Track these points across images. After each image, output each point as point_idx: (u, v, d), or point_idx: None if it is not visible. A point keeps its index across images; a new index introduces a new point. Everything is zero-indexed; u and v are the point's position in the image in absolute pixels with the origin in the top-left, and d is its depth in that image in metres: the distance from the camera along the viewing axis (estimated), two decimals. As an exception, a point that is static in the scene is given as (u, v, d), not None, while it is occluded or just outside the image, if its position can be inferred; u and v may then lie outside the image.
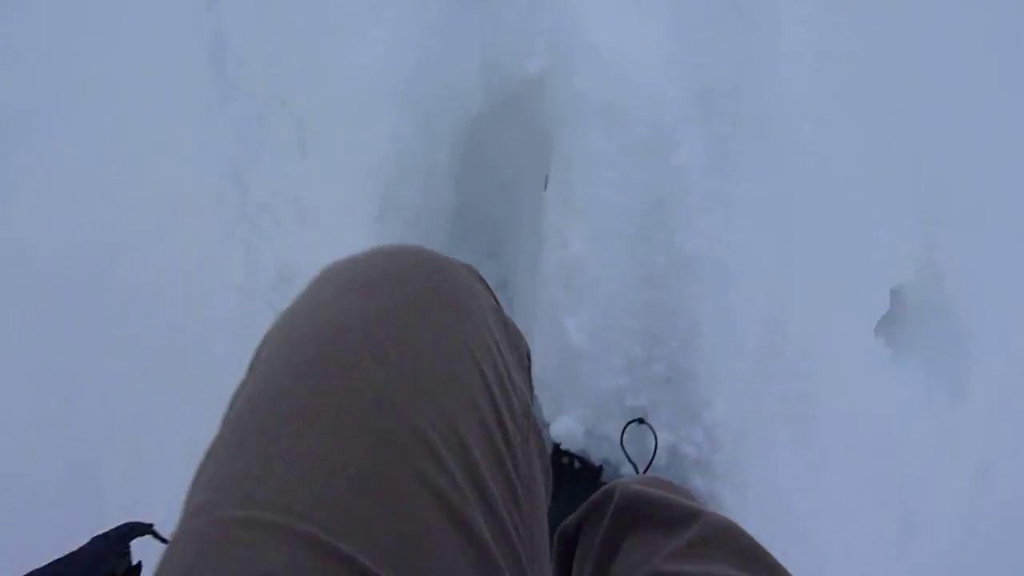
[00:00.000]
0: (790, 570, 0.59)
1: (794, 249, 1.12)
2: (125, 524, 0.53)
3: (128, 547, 0.52)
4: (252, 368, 0.50)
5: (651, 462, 1.07)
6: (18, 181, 1.01)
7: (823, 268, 1.13)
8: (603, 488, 0.76)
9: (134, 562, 0.53)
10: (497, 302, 0.61)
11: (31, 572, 0.47)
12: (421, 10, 1.17)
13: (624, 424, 1.09)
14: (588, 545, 0.73)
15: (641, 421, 1.09)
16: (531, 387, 0.63)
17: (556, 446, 1.13)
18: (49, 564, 0.48)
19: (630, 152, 1.13)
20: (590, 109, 1.14)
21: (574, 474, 1.10)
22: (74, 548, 0.49)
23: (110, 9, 1.08)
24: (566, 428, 1.11)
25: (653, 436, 1.07)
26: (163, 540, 0.52)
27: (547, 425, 1.14)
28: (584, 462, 1.11)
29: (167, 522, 0.46)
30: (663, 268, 1.10)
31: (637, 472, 1.09)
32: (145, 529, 0.54)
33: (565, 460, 1.12)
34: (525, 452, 0.53)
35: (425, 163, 1.19)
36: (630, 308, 1.10)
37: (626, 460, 1.09)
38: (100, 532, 0.52)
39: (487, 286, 0.60)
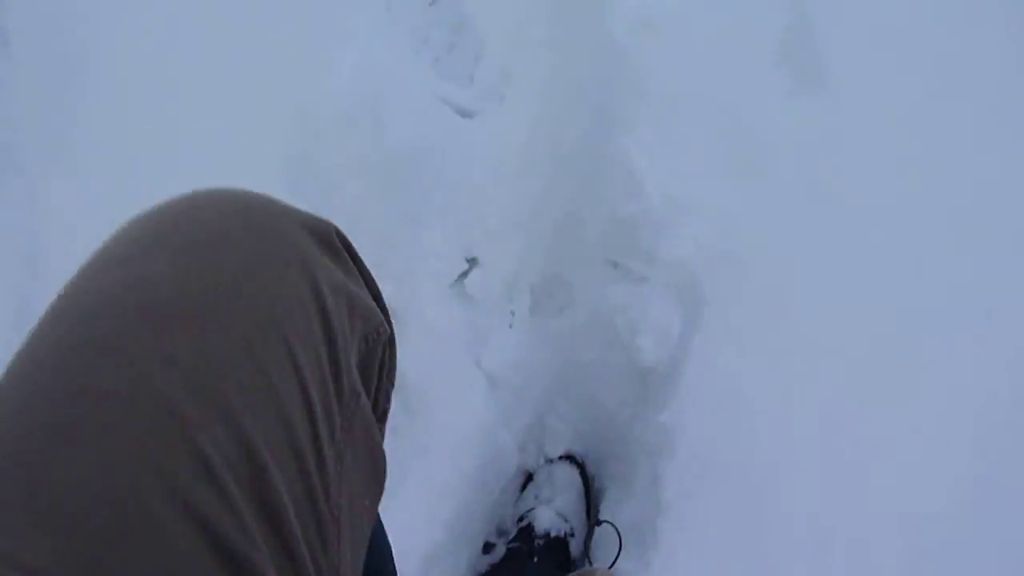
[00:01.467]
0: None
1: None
2: None
3: None
4: (23, 345, 0.40)
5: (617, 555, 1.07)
6: None
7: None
8: None
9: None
10: (354, 263, 0.51)
11: None
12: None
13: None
14: None
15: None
16: (385, 375, 0.54)
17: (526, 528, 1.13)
18: None
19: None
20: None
21: (545, 550, 1.10)
22: None
23: None
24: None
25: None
26: None
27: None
28: (551, 537, 1.11)
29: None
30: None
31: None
32: None
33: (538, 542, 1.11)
34: (340, 473, 0.45)
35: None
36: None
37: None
38: None
39: (337, 245, 0.50)
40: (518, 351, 1.15)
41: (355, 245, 0.53)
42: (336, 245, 0.50)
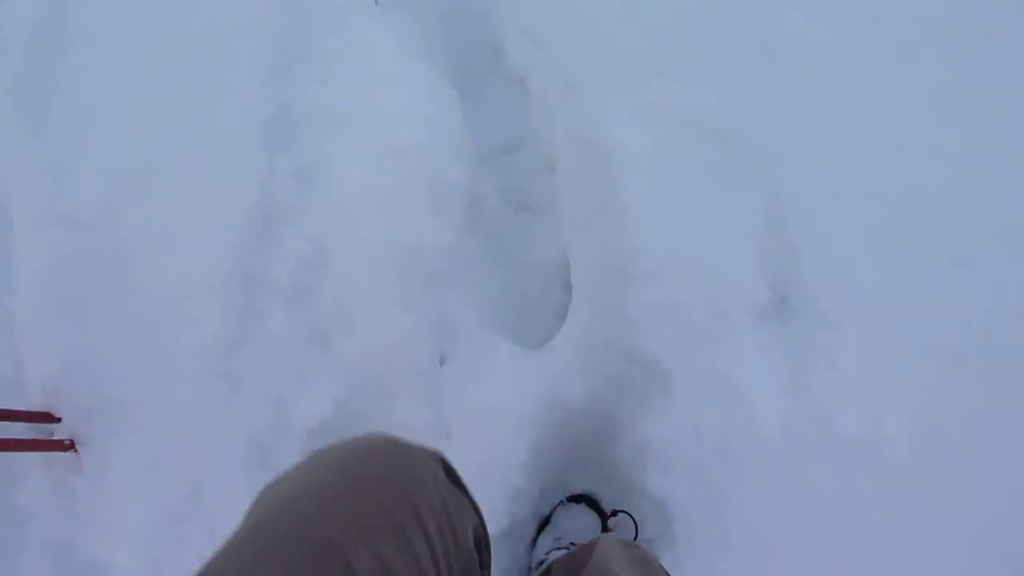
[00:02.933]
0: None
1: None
2: None
3: None
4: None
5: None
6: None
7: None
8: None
9: None
10: (458, 484, 0.70)
11: None
12: None
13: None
14: None
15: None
16: (484, 559, 0.72)
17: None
18: None
19: None
20: None
21: None
22: None
23: None
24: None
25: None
26: None
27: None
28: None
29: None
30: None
31: None
32: None
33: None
34: None
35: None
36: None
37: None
38: None
39: (450, 471, 0.70)
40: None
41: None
42: (449, 468, 0.70)
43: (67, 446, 1.09)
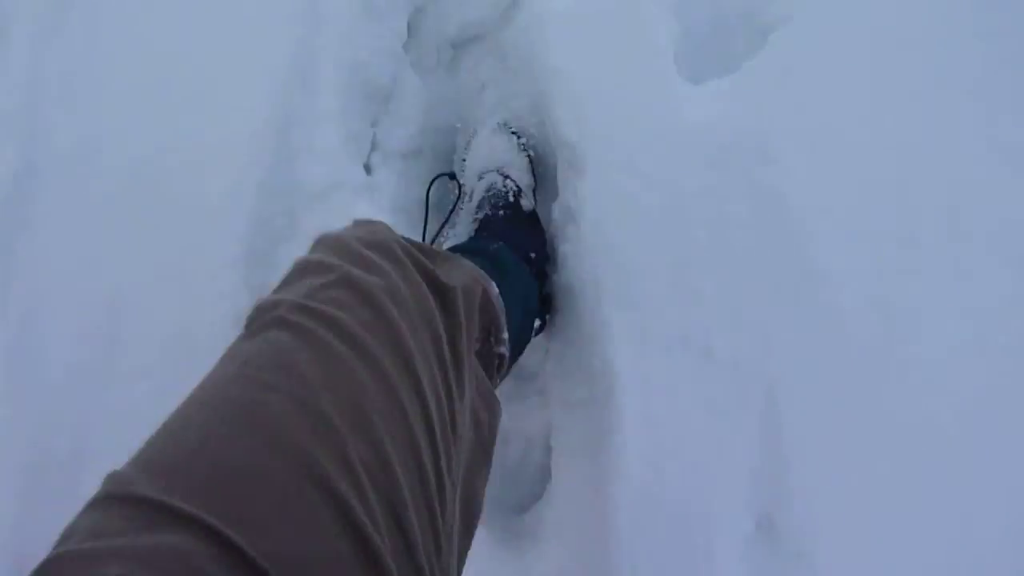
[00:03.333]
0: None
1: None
2: None
3: None
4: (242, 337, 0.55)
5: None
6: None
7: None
8: None
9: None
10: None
11: None
12: None
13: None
14: None
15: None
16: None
17: None
18: None
19: None
20: None
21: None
22: None
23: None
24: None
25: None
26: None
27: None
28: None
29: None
30: None
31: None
32: None
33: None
34: (454, 501, 0.56)
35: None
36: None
37: None
38: None
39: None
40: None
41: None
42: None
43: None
